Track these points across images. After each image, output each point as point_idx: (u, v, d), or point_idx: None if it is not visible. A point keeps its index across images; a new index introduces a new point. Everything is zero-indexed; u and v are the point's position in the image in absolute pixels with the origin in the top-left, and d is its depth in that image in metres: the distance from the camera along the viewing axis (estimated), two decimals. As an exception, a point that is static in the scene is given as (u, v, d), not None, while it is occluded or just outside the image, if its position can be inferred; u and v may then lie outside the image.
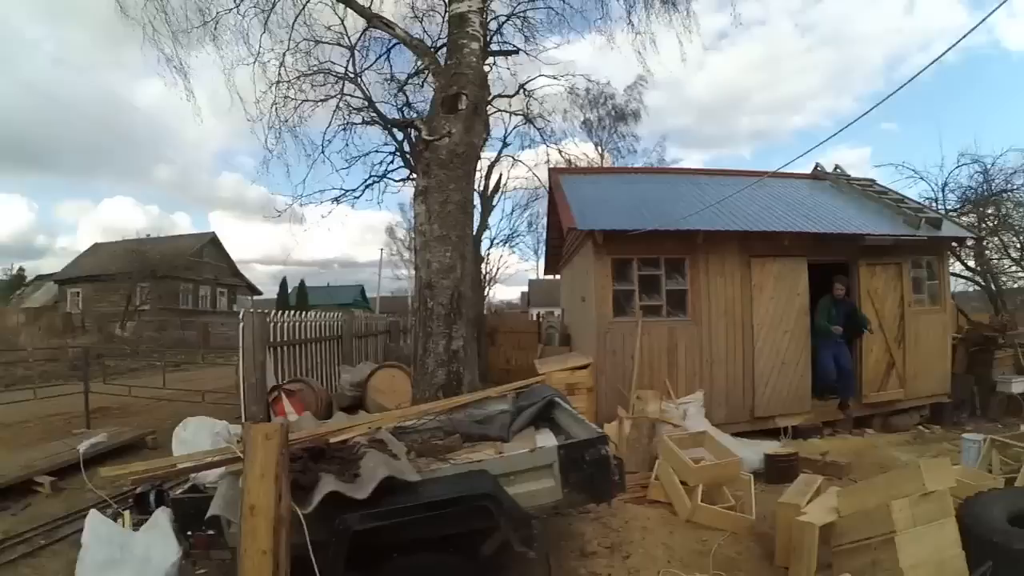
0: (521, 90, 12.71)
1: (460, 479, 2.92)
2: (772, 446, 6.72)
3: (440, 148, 5.89)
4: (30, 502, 5.22)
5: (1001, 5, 3.13)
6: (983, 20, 3.44)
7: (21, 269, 49.63)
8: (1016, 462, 5.00)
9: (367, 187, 13.18)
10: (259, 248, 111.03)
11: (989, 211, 14.35)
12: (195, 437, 4.10)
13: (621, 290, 7.53)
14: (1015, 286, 15.95)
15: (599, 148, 23.47)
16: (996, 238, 14.48)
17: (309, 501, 2.46)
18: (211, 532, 2.80)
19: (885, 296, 8.33)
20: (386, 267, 37.04)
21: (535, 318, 17.17)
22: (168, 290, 29.92)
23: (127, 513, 3.92)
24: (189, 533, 2.88)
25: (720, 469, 5.17)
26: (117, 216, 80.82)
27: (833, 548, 3.71)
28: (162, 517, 2.79)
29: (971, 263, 14.67)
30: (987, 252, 14.55)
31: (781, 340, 7.74)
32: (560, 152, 14.93)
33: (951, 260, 13.94)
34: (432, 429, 4.13)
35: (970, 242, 12.55)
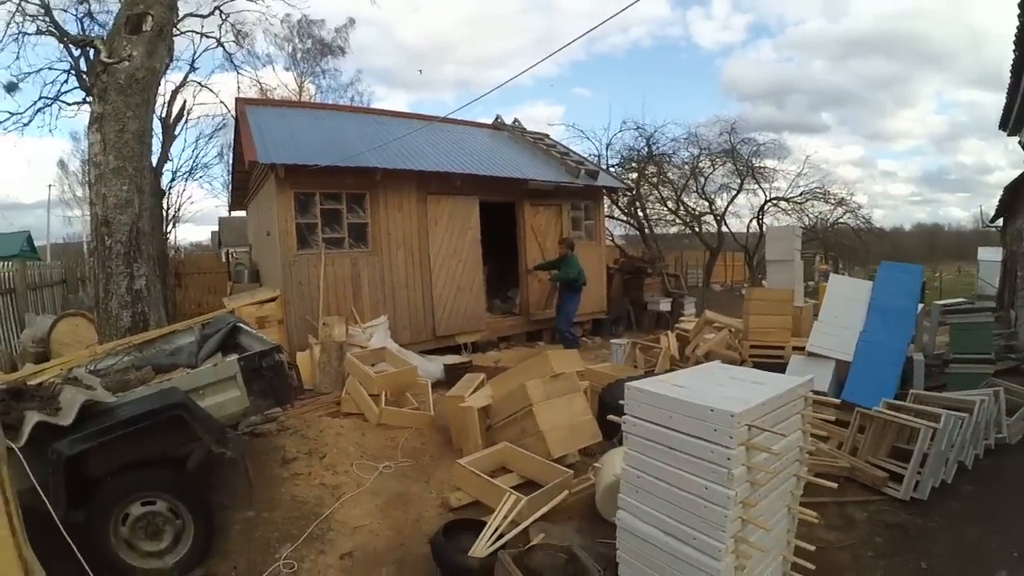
0: (217, 11, 11.76)
1: (153, 397, 3.18)
2: (453, 359, 7.73)
3: (119, 72, 5.42)
4: None
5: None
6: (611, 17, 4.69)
7: None
8: (654, 359, 6.62)
9: (38, 111, 11.21)
10: None
11: (652, 169, 17.68)
12: None
13: (304, 223, 7.73)
14: (670, 232, 20.02)
15: (299, 79, 22.39)
16: (656, 192, 18.10)
17: (20, 435, 2.56)
18: None
19: (547, 232, 10.09)
20: (57, 207, 29.15)
21: (226, 258, 16.17)
22: None
23: None
24: None
25: (398, 376, 5.84)
26: None
27: (490, 424, 4.61)
28: None
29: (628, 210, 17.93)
30: (647, 202, 17.95)
31: (456, 268, 8.87)
32: (256, 80, 14.04)
33: (609, 206, 17.04)
34: (124, 369, 4.18)
35: (623, 193, 15.59)
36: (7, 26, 9.26)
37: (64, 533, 2.45)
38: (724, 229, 18.85)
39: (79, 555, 2.48)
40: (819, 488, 2.74)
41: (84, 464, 2.89)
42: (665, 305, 11.31)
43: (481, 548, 2.96)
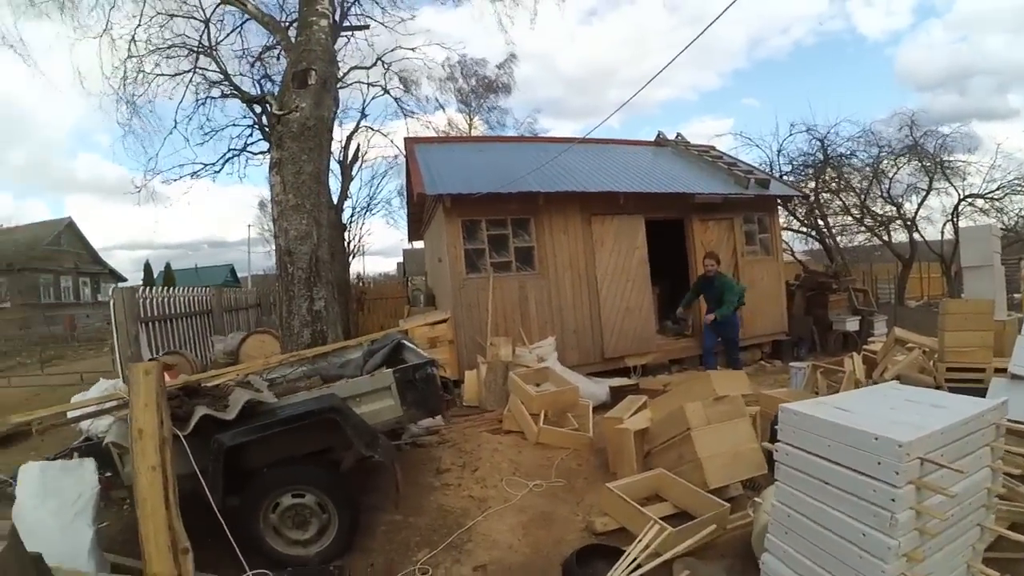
0: (379, 62, 12.99)
1: (311, 401, 3.43)
2: (619, 382, 7.42)
3: (292, 122, 6.16)
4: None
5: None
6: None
7: None
8: (838, 384, 5.82)
9: (226, 161, 13.06)
10: (123, 233, 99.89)
11: (832, 175, 15.83)
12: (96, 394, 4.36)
13: (472, 249, 8.03)
14: (854, 243, 17.63)
15: (468, 118, 24.10)
16: (838, 198, 16.11)
17: (187, 425, 2.92)
18: (108, 474, 3.17)
19: (718, 247, 9.18)
20: (257, 244, 35.14)
21: (406, 284, 17.61)
22: (28, 284, 27.42)
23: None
24: None
25: (558, 396, 5.79)
26: None
27: (649, 450, 4.35)
28: (83, 460, 3.11)
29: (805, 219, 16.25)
30: (826, 210, 16.09)
31: (624, 289, 8.61)
32: (428, 123, 15.37)
33: (787, 217, 15.67)
34: (297, 378, 4.62)
35: (797, 200, 13.96)
36: (185, 89, 10.85)
37: (218, 515, 2.73)
38: (916, 236, 16.01)
39: (230, 536, 2.72)
40: (1012, 542, 2.13)
41: (243, 455, 3.19)
42: (852, 324, 9.98)
43: (618, 578, 2.73)
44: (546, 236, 8.34)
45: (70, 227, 32.91)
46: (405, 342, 5.01)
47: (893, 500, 1.77)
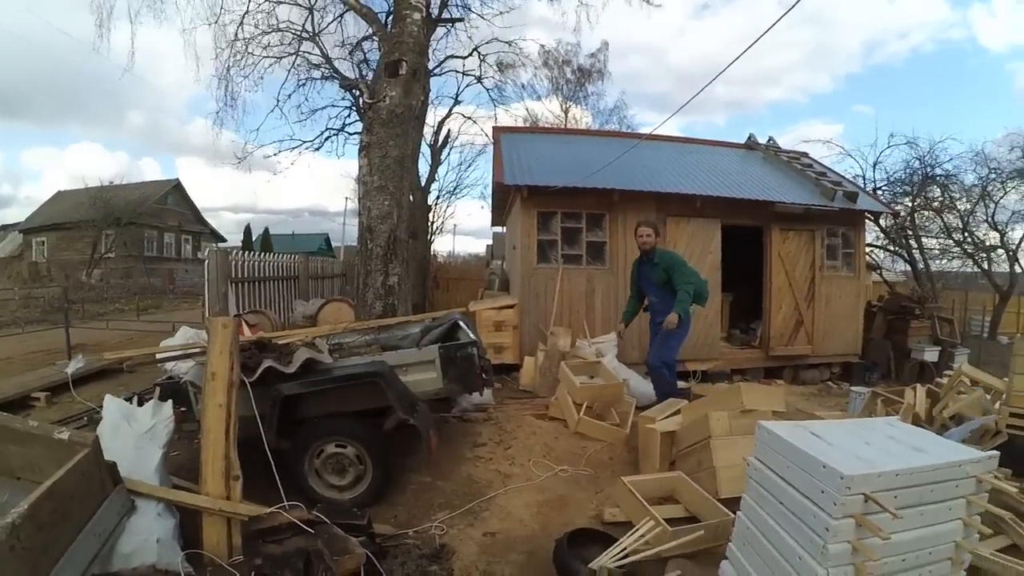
0: (475, 52, 13.44)
1: (362, 365, 3.87)
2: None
3: (381, 109, 6.61)
4: (29, 414, 5.68)
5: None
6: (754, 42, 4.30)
7: (-16, 220, 48.35)
8: (896, 413, 5.54)
9: (325, 139, 14.14)
10: (230, 196, 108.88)
11: (934, 192, 14.73)
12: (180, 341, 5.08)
13: (545, 239, 8.29)
14: (954, 268, 16.23)
15: (563, 105, 24.26)
16: (939, 219, 14.85)
17: (254, 374, 3.42)
18: (183, 409, 3.75)
19: (796, 259, 9.08)
20: (352, 217, 37.03)
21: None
22: (133, 237, 30.05)
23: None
24: None
25: (603, 390, 5.91)
26: (83, 163, 78.67)
27: (675, 453, 4.47)
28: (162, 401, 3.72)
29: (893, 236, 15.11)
30: (922, 231, 14.94)
31: None
32: (524, 108, 15.67)
33: (881, 237, 14.91)
34: (360, 344, 5.10)
35: (888, 217, 13.33)
36: (288, 73, 11.83)
37: (269, 454, 3.23)
38: (1019, 269, 14.50)
39: (275, 473, 3.20)
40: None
41: (298, 405, 3.66)
42: (931, 355, 9.29)
43: (600, 561, 2.97)
44: (619, 233, 8.44)
45: (177, 188, 35.92)
46: (461, 323, 5.32)
47: (827, 529, 1.83)
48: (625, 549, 3.09)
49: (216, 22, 9.47)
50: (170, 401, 3.44)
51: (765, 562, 2.16)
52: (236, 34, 9.81)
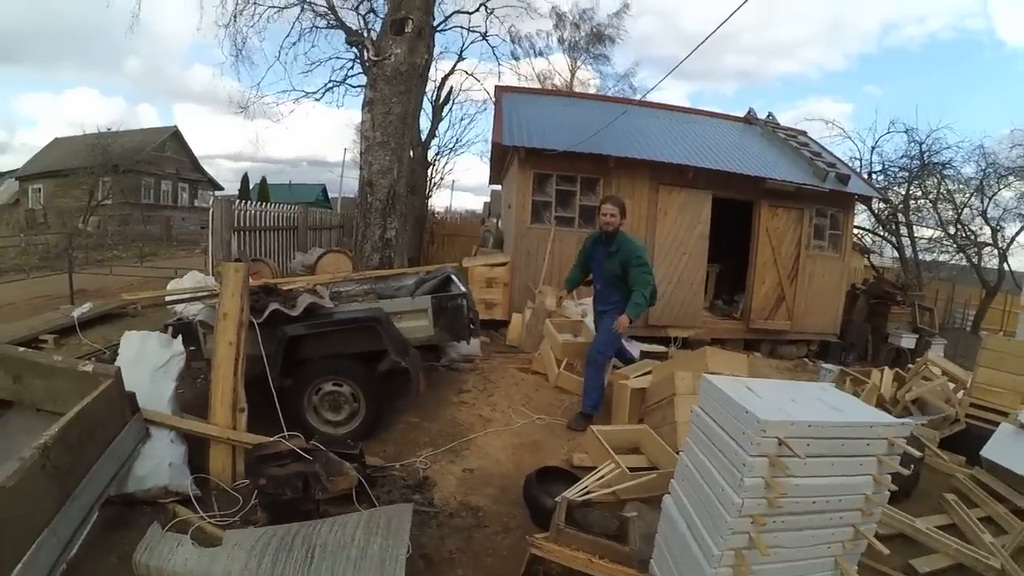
0: (482, 7, 13.44)
1: (361, 310, 4.20)
2: (653, 348, 7.71)
3: (386, 66, 6.75)
4: (38, 355, 6.15)
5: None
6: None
7: (-21, 167, 47.62)
8: (862, 392, 5.76)
9: (327, 91, 14.17)
10: (229, 144, 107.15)
11: (930, 181, 14.82)
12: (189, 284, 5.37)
13: (540, 201, 8.54)
14: (945, 259, 16.24)
15: (572, 65, 23.86)
16: (934, 210, 14.96)
17: (261, 315, 3.73)
18: (192, 348, 4.03)
19: (783, 236, 9.33)
20: (351, 168, 36.66)
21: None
22: (130, 184, 29.72)
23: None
24: None
25: (583, 347, 5.95)
26: (80, 109, 76.93)
27: (643, 408, 4.79)
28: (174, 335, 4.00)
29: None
30: (914, 218, 15.07)
31: (679, 261, 8.86)
32: (530, 66, 15.50)
33: (872, 221, 15.15)
34: (357, 293, 5.43)
35: (879, 203, 13.47)
36: (300, 23, 11.80)
37: (272, 390, 3.58)
38: (1007, 266, 14.68)
39: (278, 407, 3.57)
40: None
41: (300, 346, 3.98)
42: (908, 341, 9.60)
43: (563, 495, 3.35)
44: (613, 198, 8.67)
45: (175, 136, 35.45)
46: (453, 276, 5.61)
47: (744, 464, 2.11)
48: (587, 487, 3.46)
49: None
50: (180, 339, 3.73)
51: (697, 494, 2.48)
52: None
